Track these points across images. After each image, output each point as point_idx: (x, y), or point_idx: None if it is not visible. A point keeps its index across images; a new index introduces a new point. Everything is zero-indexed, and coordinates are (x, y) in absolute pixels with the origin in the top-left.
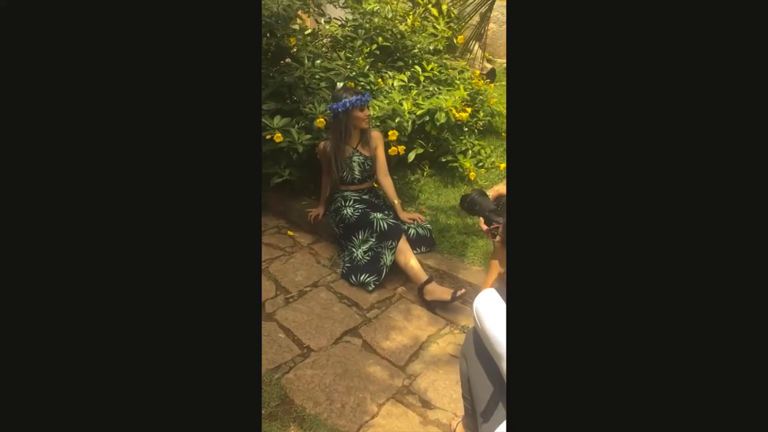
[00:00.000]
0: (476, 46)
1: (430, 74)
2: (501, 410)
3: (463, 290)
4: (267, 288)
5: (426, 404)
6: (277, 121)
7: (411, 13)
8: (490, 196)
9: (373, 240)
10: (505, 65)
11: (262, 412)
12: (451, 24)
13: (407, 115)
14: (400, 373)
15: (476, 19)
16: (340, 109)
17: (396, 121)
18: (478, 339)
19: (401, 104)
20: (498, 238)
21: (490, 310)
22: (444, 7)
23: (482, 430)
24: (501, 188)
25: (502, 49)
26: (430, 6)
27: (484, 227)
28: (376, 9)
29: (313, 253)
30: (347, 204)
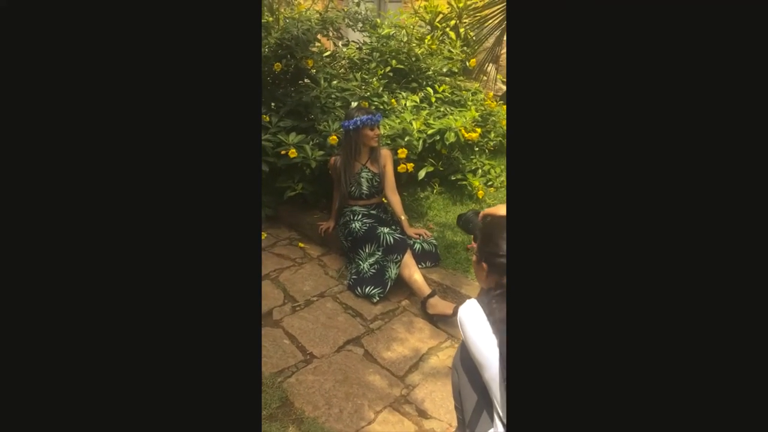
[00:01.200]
0: (492, 68)
1: (442, 95)
2: (486, 419)
3: None
4: (275, 296)
5: (422, 413)
6: (293, 137)
7: (429, 36)
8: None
9: (380, 253)
10: None
11: (263, 413)
12: (465, 48)
13: (416, 134)
14: (399, 383)
15: (492, 41)
16: (351, 127)
17: (405, 139)
18: (464, 350)
19: (411, 124)
20: (474, 257)
21: (471, 321)
22: (461, 31)
23: None
24: (492, 210)
25: None
26: (448, 30)
27: (472, 245)
28: (392, 33)
29: (321, 265)
30: (356, 218)
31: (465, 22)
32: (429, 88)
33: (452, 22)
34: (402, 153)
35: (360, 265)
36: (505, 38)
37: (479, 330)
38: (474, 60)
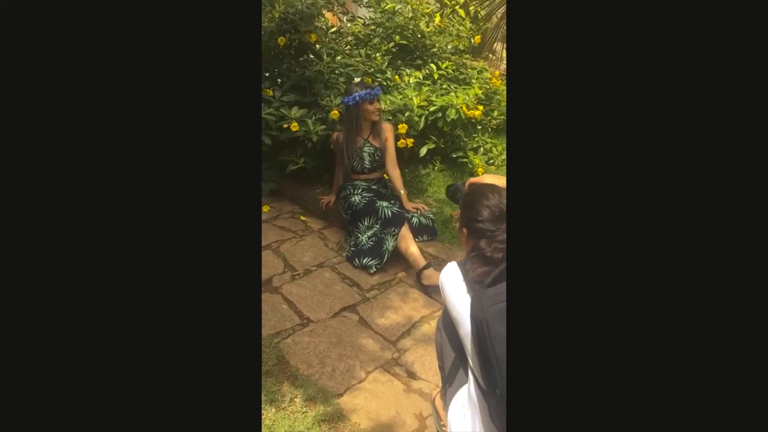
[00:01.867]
0: (500, 46)
1: (445, 72)
2: (461, 375)
3: None
4: (275, 265)
5: (411, 375)
6: (295, 111)
7: (438, 13)
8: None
9: (378, 226)
10: None
11: (261, 369)
12: (473, 25)
13: (417, 110)
14: (391, 347)
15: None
16: (351, 102)
17: (406, 115)
18: (446, 310)
19: (412, 99)
20: (457, 223)
21: (449, 281)
22: (471, 9)
23: (448, 394)
24: (478, 179)
25: None
26: (457, 7)
27: (455, 213)
28: (397, 8)
29: (322, 237)
30: (356, 192)
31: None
32: (432, 65)
33: (462, 0)
34: (402, 128)
35: (359, 237)
36: None
37: (455, 289)
38: (479, 37)
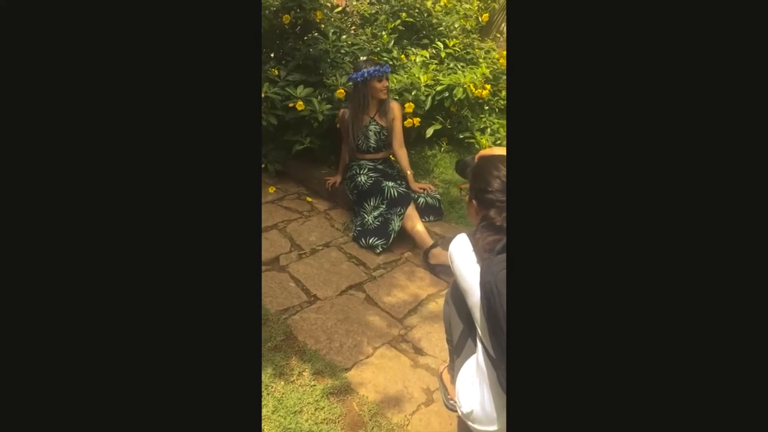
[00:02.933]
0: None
1: (452, 51)
2: (470, 345)
3: None
4: (282, 244)
5: (418, 351)
6: (300, 90)
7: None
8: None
9: (384, 207)
10: None
11: (268, 344)
12: (478, 3)
13: (423, 89)
14: (398, 324)
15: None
16: (359, 79)
17: (413, 93)
18: (455, 282)
19: (419, 78)
20: (466, 196)
21: (459, 252)
22: None
23: (456, 365)
24: (487, 150)
25: None
26: None
27: (464, 187)
28: None
29: (328, 218)
30: (362, 172)
31: None
32: (439, 43)
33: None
34: (409, 107)
35: (365, 217)
36: None
37: (465, 259)
38: (486, 15)
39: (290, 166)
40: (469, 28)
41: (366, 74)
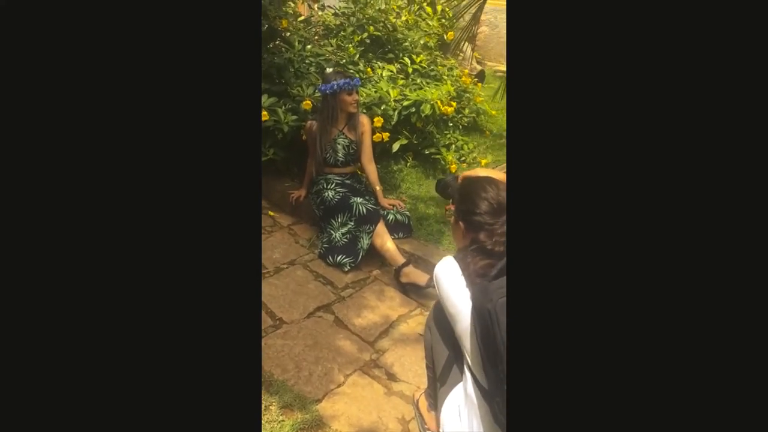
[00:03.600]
0: (467, 47)
1: (419, 67)
2: (456, 373)
3: None
4: None
5: (391, 377)
6: (264, 100)
7: (406, 9)
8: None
9: (352, 224)
10: (495, 68)
11: None
12: (443, 21)
13: (392, 104)
14: (369, 348)
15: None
16: (328, 91)
17: (382, 108)
18: (439, 307)
19: (388, 93)
20: (452, 218)
21: (447, 276)
22: (438, 7)
23: (440, 393)
24: (471, 172)
25: (493, 53)
26: (424, 4)
27: (450, 207)
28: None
29: (292, 234)
30: (329, 187)
31: None
32: (406, 58)
33: (403, 18)
34: (378, 122)
35: (332, 234)
36: (479, 16)
37: (454, 284)
38: (452, 33)
39: None
40: (432, 45)
41: (336, 87)
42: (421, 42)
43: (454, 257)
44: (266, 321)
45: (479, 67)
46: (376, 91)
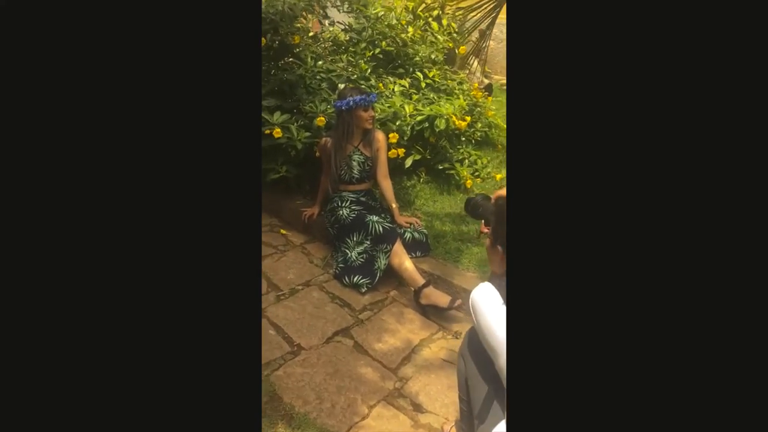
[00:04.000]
0: (475, 61)
1: (432, 82)
2: (497, 410)
3: (460, 301)
4: None
5: (417, 408)
6: (277, 116)
7: (412, 24)
8: (492, 200)
9: (368, 242)
10: (501, 82)
11: None
12: (454, 35)
13: (408, 119)
14: (392, 376)
15: (475, 34)
16: (343, 107)
17: (396, 124)
18: (474, 336)
19: (403, 108)
20: (487, 241)
21: (486, 304)
22: (444, 22)
23: (479, 431)
24: (502, 192)
25: (499, 66)
26: (430, 19)
27: (484, 230)
28: (380, 14)
29: (305, 253)
30: (344, 205)
31: (448, 13)
32: (419, 73)
33: (435, 12)
34: (393, 138)
35: (347, 253)
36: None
37: (494, 314)
38: (464, 48)
39: (261, 196)
40: (440, 59)
41: (352, 103)
42: (433, 57)
43: (491, 282)
44: (284, 347)
45: (486, 81)
46: (389, 107)
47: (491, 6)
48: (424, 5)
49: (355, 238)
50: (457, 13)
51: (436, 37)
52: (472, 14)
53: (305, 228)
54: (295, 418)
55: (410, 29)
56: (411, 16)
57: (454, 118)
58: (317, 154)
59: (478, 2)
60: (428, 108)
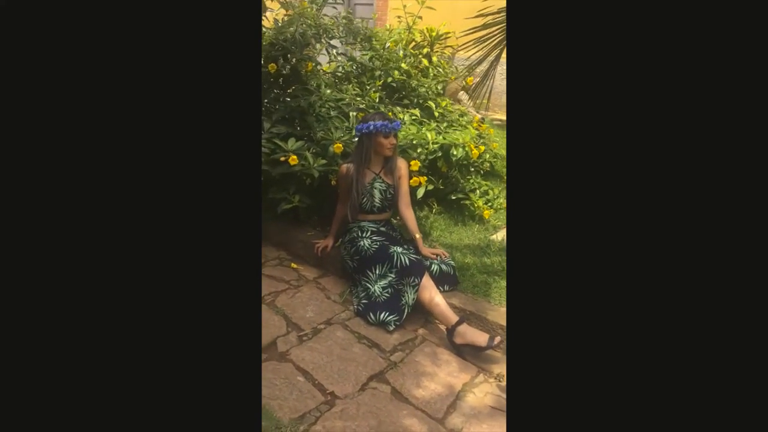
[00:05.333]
0: (465, 97)
1: (443, 111)
2: None
3: (500, 338)
4: (276, 323)
5: None
6: (292, 143)
7: (403, 61)
8: None
9: (392, 276)
10: (491, 117)
11: None
12: (445, 71)
13: (432, 146)
14: (440, 428)
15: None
16: (364, 131)
17: (418, 151)
18: None
19: (426, 134)
20: None
21: None
22: (434, 59)
23: None
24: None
25: (491, 103)
26: (420, 56)
27: None
28: (387, 45)
29: (320, 288)
30: (364, 235)
31: (437, 51)
32: (431, 102)
33: (425, 50)
34: (415, 165)
35: (369, 288)
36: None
37: None
38: (471, 78)
39: (267, 228)
40: (440, 90)
41: (372, 127)
42: (439, 88)
43: None
44: (317, 397)
45: (478, 116)
46: (405, 136)
47: (494, 43)
48: (414, 43)
49: (377, 271)
50: (445, 51)
51: (438, 70)
52: (477, 50)
53: (317, 261)
54: None
55: (403, 64)
56: (402, 53)
57: (471, 145)
58: (333, 182)
59: (487, 35)
60: (441, 137)
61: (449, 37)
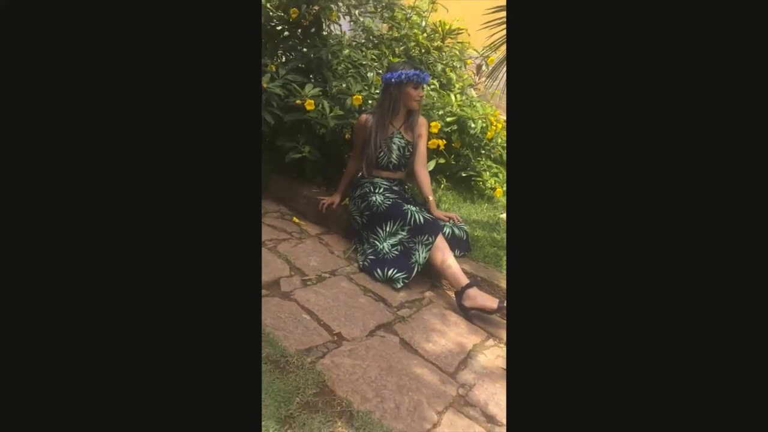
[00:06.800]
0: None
1: (462, 84)
2: None
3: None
4: (278, 265)
5: (491, 419)
6: (309, 89)
7: (422, 36)
8: None
9: (404, 233)
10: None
11: (298, 400)
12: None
13: (455, 108)
14: (452, 381)
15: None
16: (393, 80)
17: (439, 113)
18: None
19: (450, 97)
20: None
21: None
22: (446, 50)
23: None
24: None
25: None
26: (432, 48)
27: None
28: (408, 15)
29: (323, 244)
30: (377, 191)
31: (448, 45)
32: (452, 73)
33: (436, 43)
34: (435, 127)
35: (377, 245)
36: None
37: None
38: (492, 58)
39: (269, 181)
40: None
41: (404, 76)
42: (458, 64)
43: None
44: (323, 335)
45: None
46: (434, 100)
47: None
48: (425, 34)
49: (388, 228)
50: (456, 47)
51: (453, 51)
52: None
53: (320, 219)
54: (357, 417)
55: (421, 38)
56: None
57: (492, 119)
58: (347, 136)
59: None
60: (460, 109)
61: (461, 33)
